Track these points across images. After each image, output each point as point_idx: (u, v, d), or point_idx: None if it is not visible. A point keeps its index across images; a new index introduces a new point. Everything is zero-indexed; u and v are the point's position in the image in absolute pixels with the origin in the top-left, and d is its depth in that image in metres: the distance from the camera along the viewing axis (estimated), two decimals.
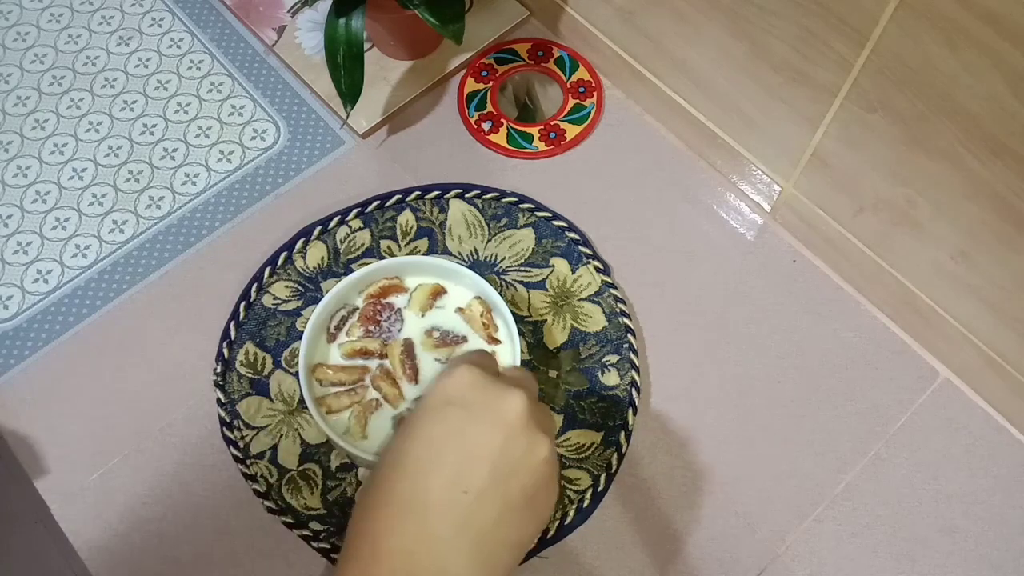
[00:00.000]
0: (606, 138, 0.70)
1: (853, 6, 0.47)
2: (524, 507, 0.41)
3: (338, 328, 0.56)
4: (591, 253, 0.64)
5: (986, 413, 0.60)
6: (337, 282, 0.57)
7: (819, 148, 0.57)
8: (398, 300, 0.57)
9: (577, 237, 0.65)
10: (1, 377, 0.61)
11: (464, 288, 0.58)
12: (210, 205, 0.67)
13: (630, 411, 0.59)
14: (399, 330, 0.56)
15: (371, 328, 0.56)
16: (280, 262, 0.64)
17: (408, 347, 0.56)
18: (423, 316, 0.57)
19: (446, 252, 0.64)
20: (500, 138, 0.69)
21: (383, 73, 0.71)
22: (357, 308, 0.57)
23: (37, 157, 0.70)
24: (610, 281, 0.63)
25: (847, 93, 0.52)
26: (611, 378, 0.60)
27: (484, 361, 0.47)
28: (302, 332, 0.56)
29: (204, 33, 0.75)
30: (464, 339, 0.56)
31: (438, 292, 0.57)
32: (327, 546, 0.55)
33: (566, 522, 0.56)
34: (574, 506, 0.56)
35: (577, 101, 0.71)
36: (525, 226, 0.65)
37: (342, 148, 0.70)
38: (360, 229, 0.65)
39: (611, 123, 0.70)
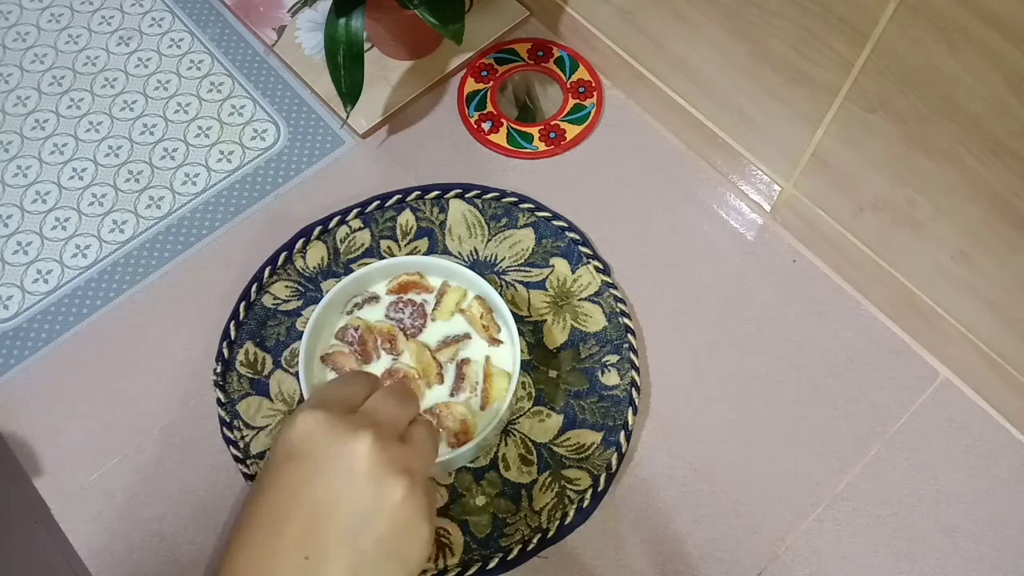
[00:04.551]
0: (606, 138, 0.70)
1: (853, 6, 0.47)
2: (380, 558, 0.39)
3: (356, 307, 0.57)
4: (591, 253, 0.64)
5: (986, 413, 0.60)
6: (337, 282, 0.57)
7: (819, 148, 0.57)
8: (419, 297, 0.58)
9: (577, 237, 0.64)
10: (1, 377, 0.61)
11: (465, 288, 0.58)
12: (210, 205, 0.67)
13: (630, 411, 0.59)
14: (420, 327, 0.57)
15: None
16: (280, 262, 0.64)
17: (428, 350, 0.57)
18: (449, 319, 0.57)
19: (446, 252, 0.64)
20: (500, 138, 0.69)
21: (383, 73, 0.71)
22: (377, 296, 0.58)
23: (37, 157, 0.70)
24: (610, 281, 0.63)
25: (847, 93, 0.52)
26: (611, 378, 0.60)
27: (339, 392, 0.44)
28: (302, 332, 0.56)
29: (204, 33, 0.75)
30: (467, 336, 0.57)
31: (463, 298, 0.58)
32: None
33: (566, 522, 0.56)
34: (574, 506, 0.56)
35: (577, 101, 0.71)
36: (525, 226, 0.65)
37: (342, 148, 0.70)
38: (360, 229, 0.65)
39: (611, 123, 0.70)
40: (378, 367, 0.56)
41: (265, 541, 0.39)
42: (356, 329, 0.56)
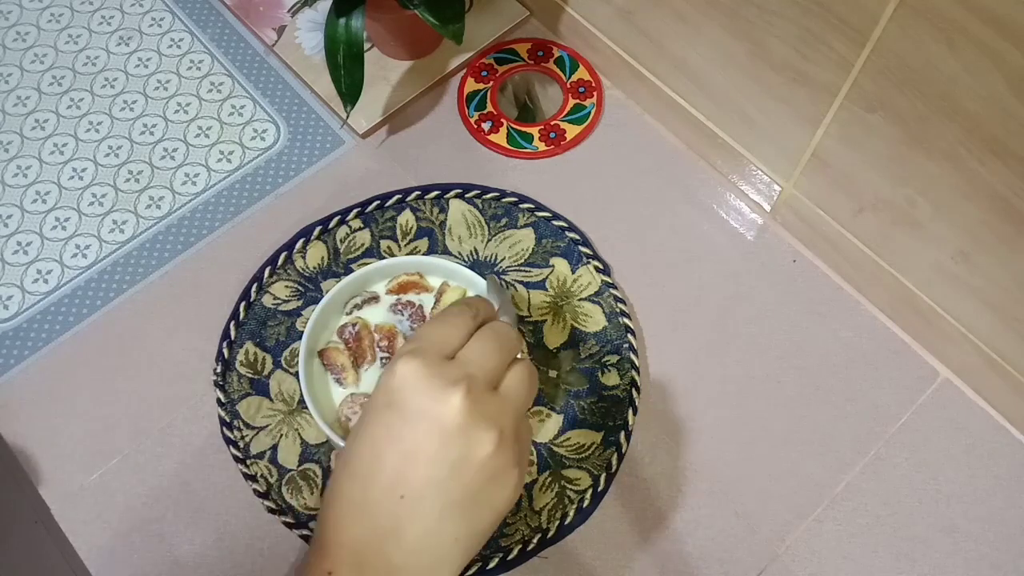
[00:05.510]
0: (606, 138, 0.70)
1: (853, 6, 0.48)
2: (470, 504, 0.41)
3: (356, 308, 0.57)
4: (591, 253, 0.64)
5: (986, 413, 0.60)
6: (337, 282, 0.57)
7: (819, 148, 0.57)
8: (418, 298, 0.58)
9: (577, 237, 0.65)
10: (1, 377, 0.61)
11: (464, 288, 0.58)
12: (210, 205, 0.67)
13: (630, 411, 0.59)
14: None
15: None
16: (280, 262, 0.64)
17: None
18: None
19: (446, 252, 0.64)
20: (500, 138, 0.69)
21: (383, 73, 0.71)
22: (377, 296, 0.57)
23: (37, 157, 0.70)
24: (610, 281, 0.63)
25: (847, 93, 0.52)
26: (611, 378, 0.60)
27: (439, 336, 0.44)
28: (302, 332, 0.56)
29: (204, 33, 0.75)
30: None
31: (462, 298, 0.58)
32: None
33: (566, 522, 0.56)
34: (574, 506, 0.56)
35: (577, 101, 0.71)
36: (525, 226, 0.65)
37: (342, 148, 0.70)
38: (360, 229, 0.65)
39: (611, 123, 0.70)
40: (371, 371, 0.56)
41: (365, 477, 0.41)
42: (354, 326, 0.56)
